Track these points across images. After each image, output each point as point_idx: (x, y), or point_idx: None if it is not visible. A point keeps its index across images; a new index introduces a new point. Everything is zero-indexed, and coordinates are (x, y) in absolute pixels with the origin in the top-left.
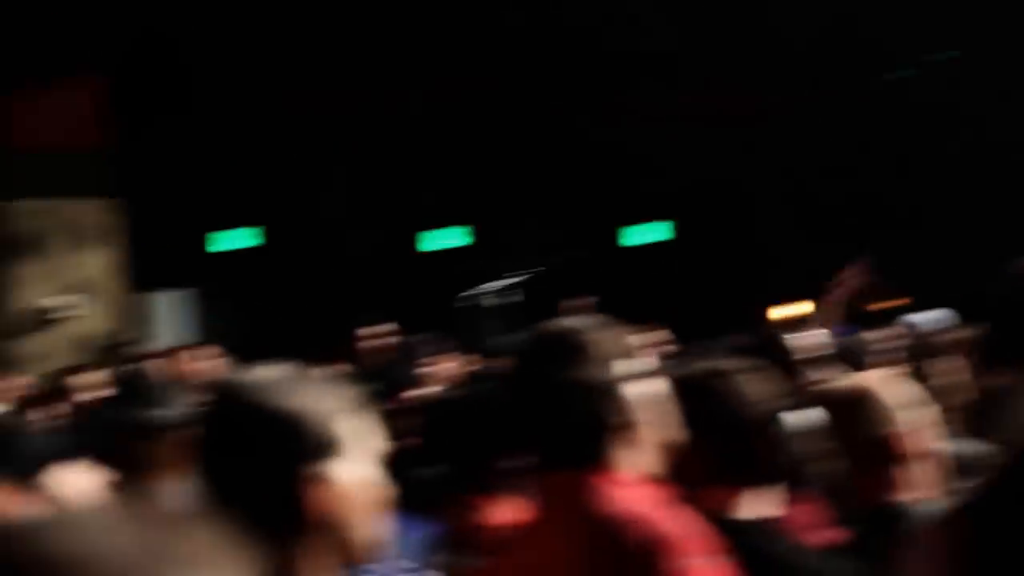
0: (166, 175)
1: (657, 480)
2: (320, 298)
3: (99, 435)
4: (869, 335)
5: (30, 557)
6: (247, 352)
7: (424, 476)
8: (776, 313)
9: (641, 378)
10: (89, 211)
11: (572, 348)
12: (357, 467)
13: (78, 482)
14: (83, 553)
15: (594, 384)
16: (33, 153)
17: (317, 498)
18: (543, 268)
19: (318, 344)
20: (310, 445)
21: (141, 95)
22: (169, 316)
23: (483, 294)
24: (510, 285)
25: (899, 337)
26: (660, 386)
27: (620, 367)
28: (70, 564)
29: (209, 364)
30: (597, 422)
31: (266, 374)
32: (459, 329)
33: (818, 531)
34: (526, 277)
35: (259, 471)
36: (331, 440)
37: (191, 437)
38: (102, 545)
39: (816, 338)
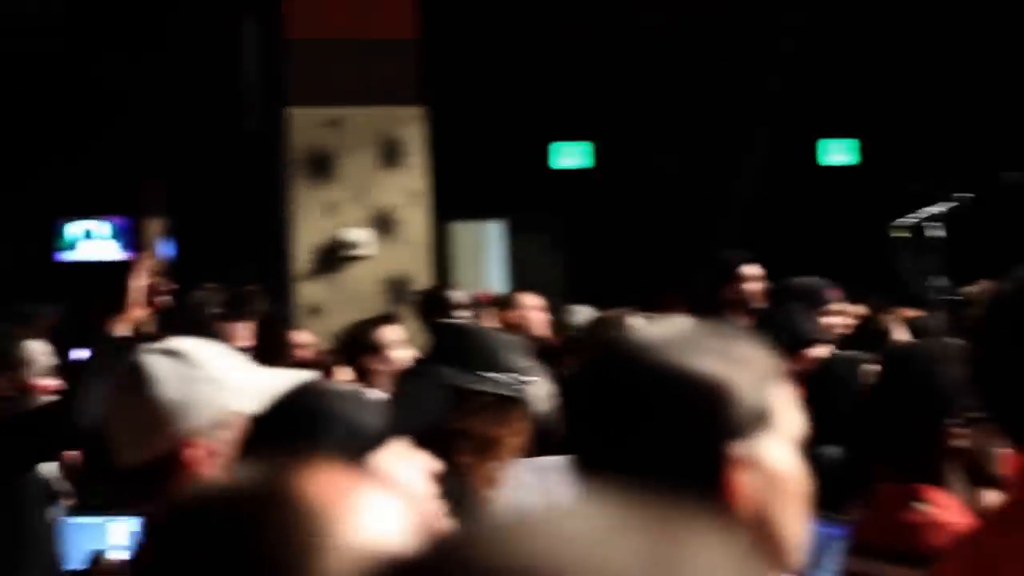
0: (484, 78)
1: None
2: (672, 231)
3: (419, 406)
4: None
5: (505, 570)
6: (577, 296)
7: (824, 459)
8: None
9: None
10: (392, 121)
11: None
12: (785, 448)
13: (407, 463)
14: (576, 567)
15: None
16: (320, 50)
17: (743, 486)
18: (971, 194)
19: (668, 288)
20: (737, 419)
21: None
22: (488, 252)
23: (907, 226)
24: (930, 216)
25: None
26: None
27: None
28: None
29: (540, 314)
30: None
31: (666, 329)
32: (880, 269)
33: None
34: (952, 206)
35: (668, 451)
36: (761, 413)
37: (532, 408)
38: (598, 557)
39: None
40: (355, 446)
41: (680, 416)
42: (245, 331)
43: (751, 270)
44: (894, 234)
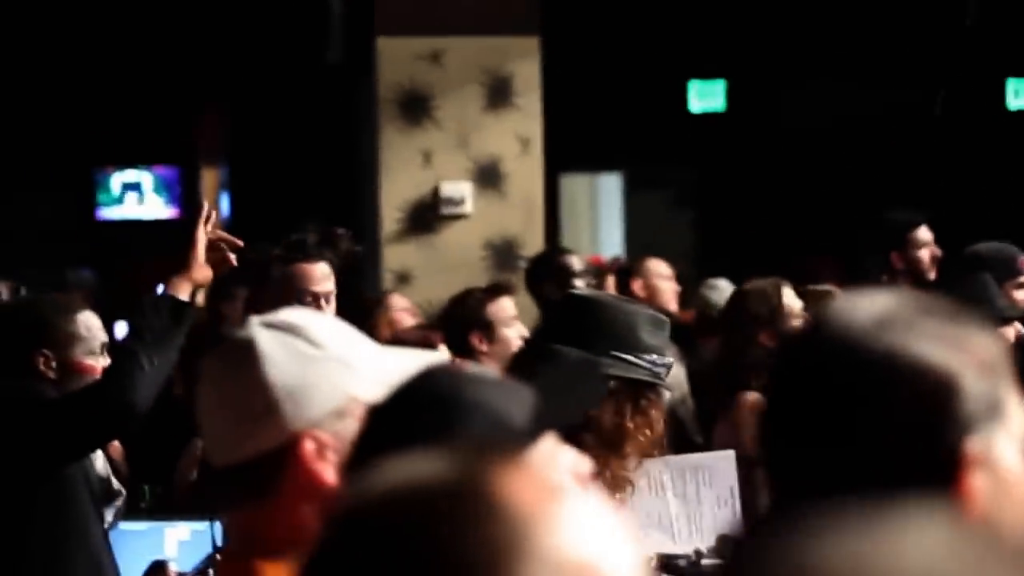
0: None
1: None
2: (825, 187)
3: (567, 394)
4: None
5: None
6: (708, 264)
7: None
8: None
9: None
10: (502, 55)
11: None
12: (1015, 445)
13: (556, 463)
14: None
15: None
16: None
17: (978, 489)
18: None
19: (821, 255)
20: (969, 412)
21: None
22: (602, 210)
23: None
24: None
25: None
26: None
27: None
28: None
29: (669, 284)
30: None
31: (876, 308)
32: None
33: None
34: None
35: (890, 452)
36: (992, 405)
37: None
38: None
39: None
40: (501, 441)
41: (905, 410)
42: (321, 274)
43: (924, 234)
44: None
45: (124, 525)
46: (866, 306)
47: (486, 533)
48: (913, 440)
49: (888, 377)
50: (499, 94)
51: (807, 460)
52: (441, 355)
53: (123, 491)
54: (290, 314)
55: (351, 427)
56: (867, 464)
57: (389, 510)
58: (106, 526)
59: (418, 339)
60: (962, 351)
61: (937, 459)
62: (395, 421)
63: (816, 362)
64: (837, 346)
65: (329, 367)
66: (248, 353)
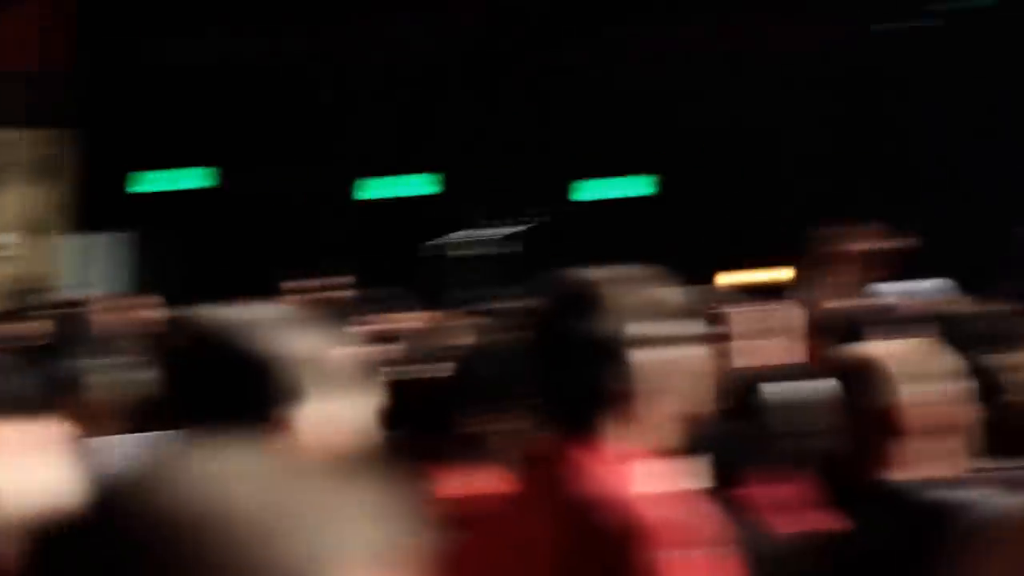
0: (119, 105)
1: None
2: (277, 246)
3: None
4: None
5: (144, 515)
6: (188, 301)
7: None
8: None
9: (671, 342)
10: (34, 141)
11: (585, 302)
12: (323, 414)
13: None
14: (199, 510)
15: (598, 343)
16: None
17: (275, 439)
18: (546, 217)
19: (262, 293)
20: (277, 389)
21: (103, 13)
22: (108, 260)
23: (453, 244)
24: (508, 235)
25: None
26: (695, 352)
27: (639, 327)
28: (192, 522)
29: (149, 314)
30: (591, 387)
31: (236, 314)
32: (424, 282)
33: (808, 511)
34: (527, 227)
35: (230, 414)
36: (296, 385)
37: (122, 391)
38: (217, 500)
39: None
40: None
41: (234, 387)
42: None
43: (312, 283)
44: (426, 254)
45: None
46: (232, 315)
47: None
48: (240, 407)
49: (226, 363)
50: (37, 170)
51: (194, 419)
52: None
53: None
54: None
55: None
56: (224, 424)
57: None
58: None
59: None
60: (289, 350)
61: (259, 421)
62: None
63: (192, 354)
64: (204, 342)
65: None
66: None
